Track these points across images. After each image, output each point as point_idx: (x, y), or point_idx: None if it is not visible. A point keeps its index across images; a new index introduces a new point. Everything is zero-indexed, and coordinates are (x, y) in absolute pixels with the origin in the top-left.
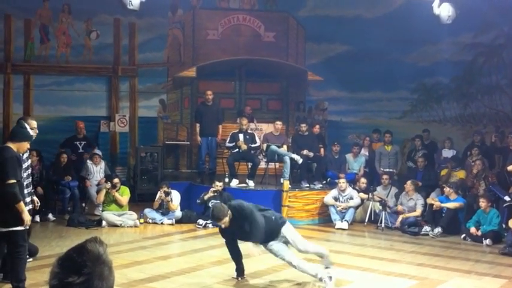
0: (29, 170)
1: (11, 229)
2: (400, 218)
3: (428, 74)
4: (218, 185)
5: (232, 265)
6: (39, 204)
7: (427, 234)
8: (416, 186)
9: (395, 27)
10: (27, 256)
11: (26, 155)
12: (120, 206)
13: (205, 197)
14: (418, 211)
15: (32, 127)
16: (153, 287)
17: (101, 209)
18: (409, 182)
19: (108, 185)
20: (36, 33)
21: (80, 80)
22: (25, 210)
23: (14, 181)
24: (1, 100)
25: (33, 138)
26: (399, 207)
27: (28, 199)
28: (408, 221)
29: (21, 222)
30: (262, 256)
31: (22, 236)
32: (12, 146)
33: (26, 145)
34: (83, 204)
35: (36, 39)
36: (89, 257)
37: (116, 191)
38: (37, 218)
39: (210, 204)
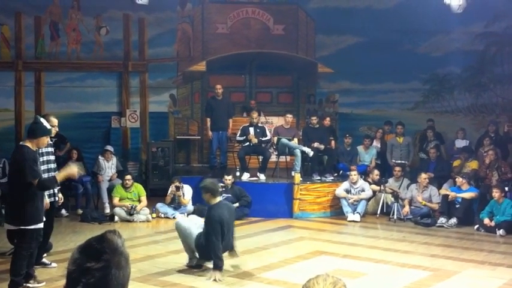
0: (51, 165)
1: (21, 227)
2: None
3: (440, 65)
4: (227, 179)
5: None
6: (62, 201)
7: (443, 226)
8: (429, 178)
9: (406, 17)
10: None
11: (46, 149)
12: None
13: None
14: (436, 203)
15: (52, 125)
16: (166, 281)
17: (108, 206)
18: (423, 175)
19: (119, 181)
20: (46, 30)
21: (91, 76)
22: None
23: (37, 179)
24: (13, 97)
25: (52, 133)
26: (406, 201)
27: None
28: (421, 212)
29: (33, 221)
30: (274, 249)
31: (31, 235)
32: (30, 143)
33: (45, 139)
34: (94, 201)
35: (47, 36)
36: (108, 245)
37: (129, 187)
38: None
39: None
